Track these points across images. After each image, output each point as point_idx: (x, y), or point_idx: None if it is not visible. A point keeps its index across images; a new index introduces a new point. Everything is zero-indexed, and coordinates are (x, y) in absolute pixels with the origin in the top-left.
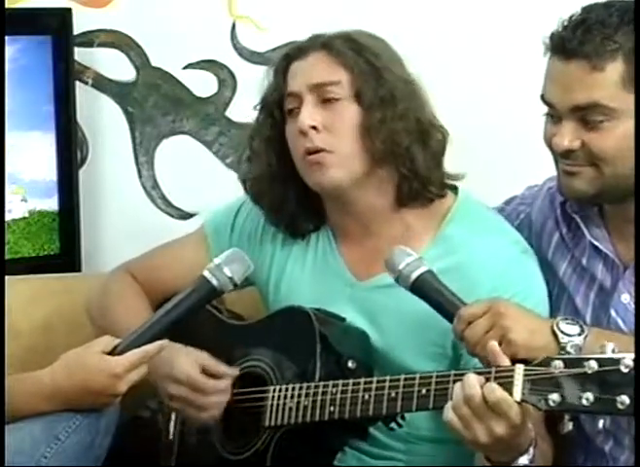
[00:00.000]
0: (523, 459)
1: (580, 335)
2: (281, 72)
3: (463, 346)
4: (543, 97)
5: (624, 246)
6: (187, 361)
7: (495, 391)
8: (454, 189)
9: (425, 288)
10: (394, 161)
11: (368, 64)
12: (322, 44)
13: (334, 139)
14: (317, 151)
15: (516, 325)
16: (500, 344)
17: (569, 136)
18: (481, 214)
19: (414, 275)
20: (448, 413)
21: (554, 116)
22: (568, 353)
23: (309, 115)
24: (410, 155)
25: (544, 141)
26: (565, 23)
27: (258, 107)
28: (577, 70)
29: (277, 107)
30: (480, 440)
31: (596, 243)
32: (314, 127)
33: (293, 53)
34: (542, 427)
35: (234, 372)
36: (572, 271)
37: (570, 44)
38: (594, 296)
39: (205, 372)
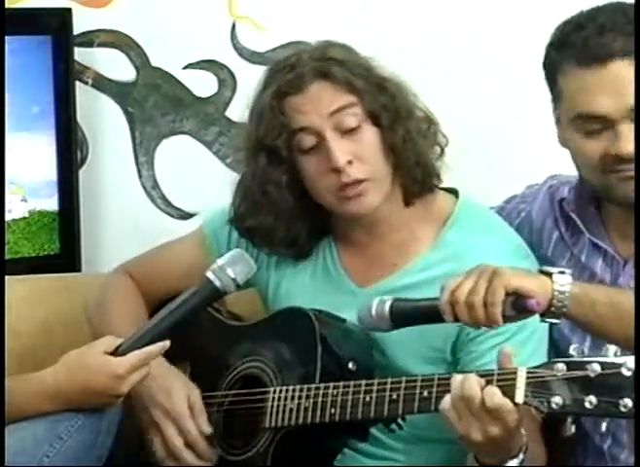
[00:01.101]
0: (512, 463)
1: (566, 273)
2: (278, 109)
3: (461, 349)
4: (586, 115)
5: (624, 243)
6: (182, 396)
7: (495, 397)
8: (454, 192)
9: (403, 311)
10: (411, 168)
11: (369, 82)
12: (317, 73)
13: (367, 167)
14: (355, 182)
15: (502, 267)
16: (488, 290)
17: (632, 139)
18: (482, 218)
19: (387, 308)
20: (446, 404)
21: (599, 126)
22: (561, 285)
23: (341, 151)
24: (423, 157)
25: (580, 159)
26: (578, 32)
27: (257, 150)
28: (621, 70)
29: (286, 147)
30: (474, 438)
31: (595, 240)
32: (349, 161)
33: (286, 89)
34: (537, 431)
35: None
36: (572, 269)
37: (601, 47)
38: None
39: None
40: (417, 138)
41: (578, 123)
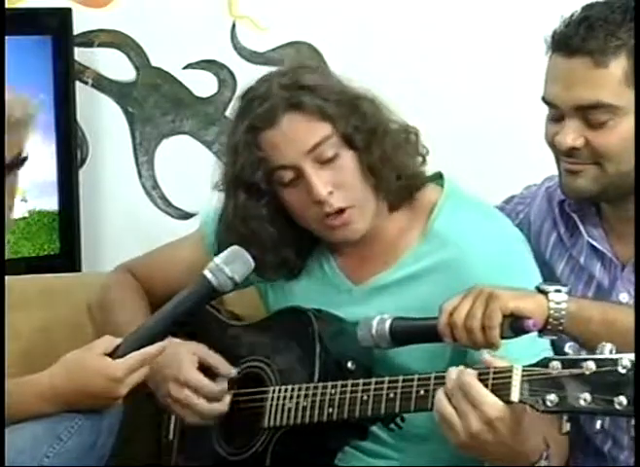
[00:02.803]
0: None
1: (562, 291)
2: (254, 145)
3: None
4: (544, 99)
5: (622, 245)
6: (190, 363)
7: (467, 379)
8: (440, 179)
9: (403, 329)
10: (391, 182)
11: (340, 106)
12: (288, 105)
13: (348, 194)
14: (338, 211)
15: (498, 288)
16: (485, 314)
17: (572, 134)
18: (469, 204)
19: (387, 327)
20: (441, 400)
21: (556, 115)
22: (557, 303)
23: (322, 184)
24: (402, 169)
25: (545, 140)
26: (567, 21)
27: (235, 187)
28: (580, 67)
29: (265, 183)
30: (474, 428)
31: (594, 243)
32: (330, 192)
33: (259, 125)
34: (553, 430)
35: (232, 371)
36: (570, 271)
37: (573, 41)
38: (592, 295)
39: (204, 367)
40: (395, 155)
41: (545, 105)
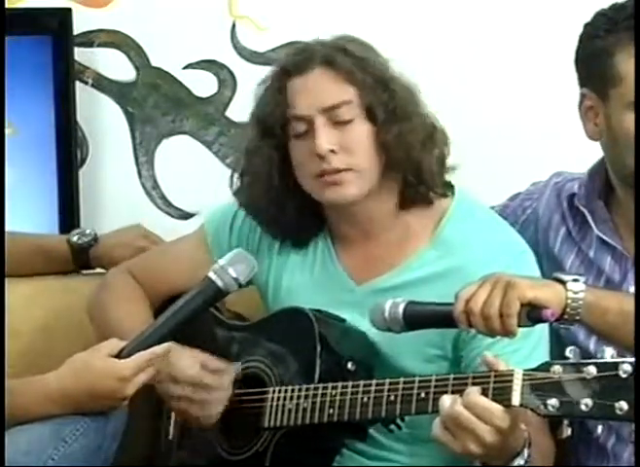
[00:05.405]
0: (518, 460)
1: (579, 281)
2: (278, 88)
3: (464, 347)
4: None
5: (633, 240)
6: (187, 361)
7: (471, 394)
8: (451, 188)
9: (417, 313)
10: (403, 169)
11: (373, 78)
12: (323, 60)
13: (351, 158)
14: (335, 171)
15: (516, 277)
16: (503, 302)
17: None
18: (479, 214)
19: (401, 310)
20: (437, 429)
21: None
22: (574, 293)
23: (326, 139)
24: (418, 162)
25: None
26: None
27: (253, 125)
28: None
29: (279, 127)
30: (474, 452)
31: (604, 237)
32: (332, 150)
33: (291, 69)
34: (542, 423)
35: (235, 367)
36: (579, 264)
37: None
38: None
39: (205, 369)
40: (413, 142)
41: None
